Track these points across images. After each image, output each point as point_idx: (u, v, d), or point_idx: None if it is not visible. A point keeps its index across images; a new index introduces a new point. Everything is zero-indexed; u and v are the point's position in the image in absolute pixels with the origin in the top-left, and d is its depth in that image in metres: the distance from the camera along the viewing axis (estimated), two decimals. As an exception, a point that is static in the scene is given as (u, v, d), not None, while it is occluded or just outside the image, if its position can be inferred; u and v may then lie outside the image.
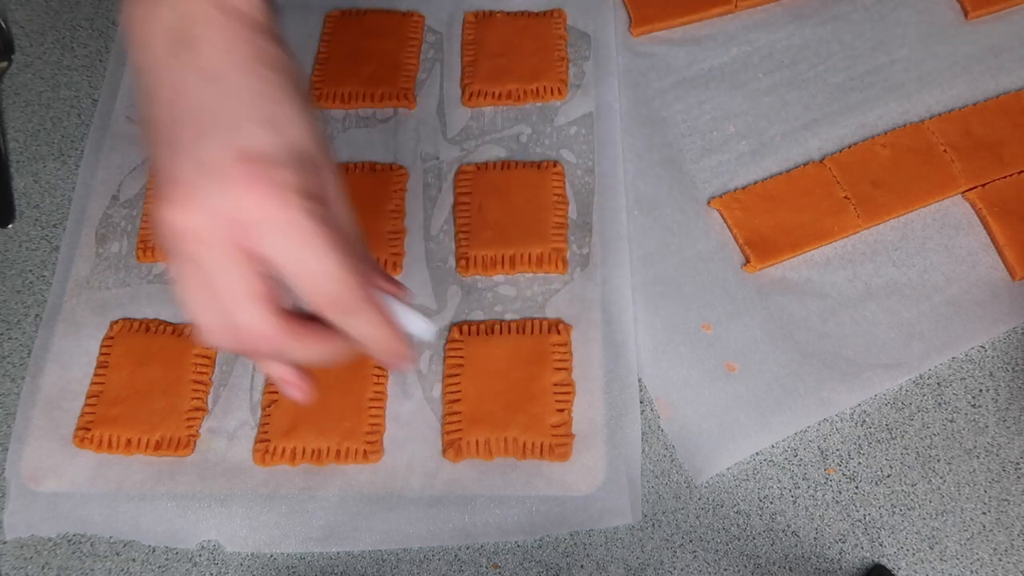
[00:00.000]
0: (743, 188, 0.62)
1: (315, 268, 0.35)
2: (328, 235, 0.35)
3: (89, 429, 0.55)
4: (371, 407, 0.55)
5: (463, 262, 0.59)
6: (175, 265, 0.36)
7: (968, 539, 0.52)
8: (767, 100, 0.66)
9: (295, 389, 0.41)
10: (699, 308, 0.58)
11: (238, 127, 0.35)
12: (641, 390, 0.56)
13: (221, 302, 0.35)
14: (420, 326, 0.41)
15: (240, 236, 0.34)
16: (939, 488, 0.53)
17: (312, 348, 0.38)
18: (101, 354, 0.57)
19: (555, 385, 0.55)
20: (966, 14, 0.68)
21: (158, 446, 0.54)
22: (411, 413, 0.56)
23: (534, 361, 0.56)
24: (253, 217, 0.34)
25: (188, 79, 0.36)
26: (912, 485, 0.53)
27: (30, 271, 0.61)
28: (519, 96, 0.66)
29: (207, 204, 0.34)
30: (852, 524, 0.52)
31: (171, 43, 0.36)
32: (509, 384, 0.55)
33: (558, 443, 0.53)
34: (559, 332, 0.57)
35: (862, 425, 0.55)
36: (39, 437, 0.55)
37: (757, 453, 0.55)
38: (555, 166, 0.63)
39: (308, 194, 0.35)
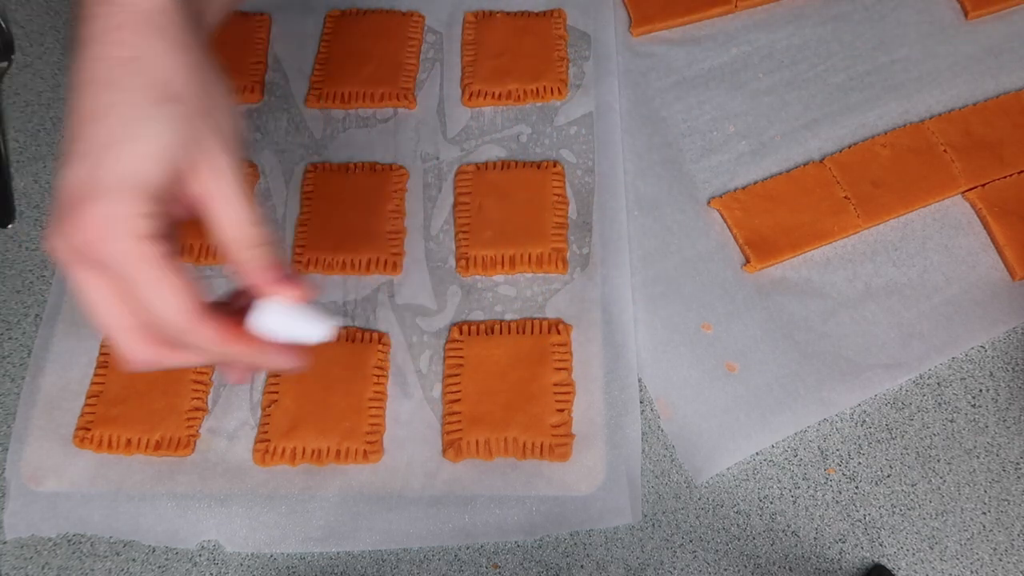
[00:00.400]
0: (743, 188, 0.62)
1: (145, 301, 0.37)
2: (154, 273, 0.37)
3: (89, 429, 0.55)
4: (371, 407, 0.55)
5: (463, 262, 0.59)
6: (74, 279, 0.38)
7: (968, 539, 0.52)
8: (767, 100, 0.66)
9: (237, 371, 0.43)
10: (699, 308, 0.58)
11: (94, 151, 0.37)
12: (641, 390, 0.56)
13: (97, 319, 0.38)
14: (310, 331, 0.41)
15: (93, 259, 0.37)
16: (939, 488, 0.53)
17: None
18: (101, 354, 0.57)
19: (555, 385, 0.55)
20: (966, 14, 0.68)
21: (158, 446, 0.54)
22: (411, 413, 0.56)
23: (534, 361, 0.56)
24: (93, 255, 0.36)
25: (91, 81, 0.38)
26: (912, 485, 0.53)
27: (30, 271, 0.61)
28: (519, 96, 0.66)
29: (61, 240, 0.37)
30: (852, 524, 0.52)
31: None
32: (509, 384, 0.55)
33: (558, 443, 0.53)
34: (559, 332, 0.57)
35: (862, 425, 0.55)
36: (39, 437, 0.55)
37: (757, 453, 0.55)
38: (555, 166, 0.63)
39: (144, 233, 0.36)
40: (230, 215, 0.39)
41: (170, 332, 0.38)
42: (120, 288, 0.37)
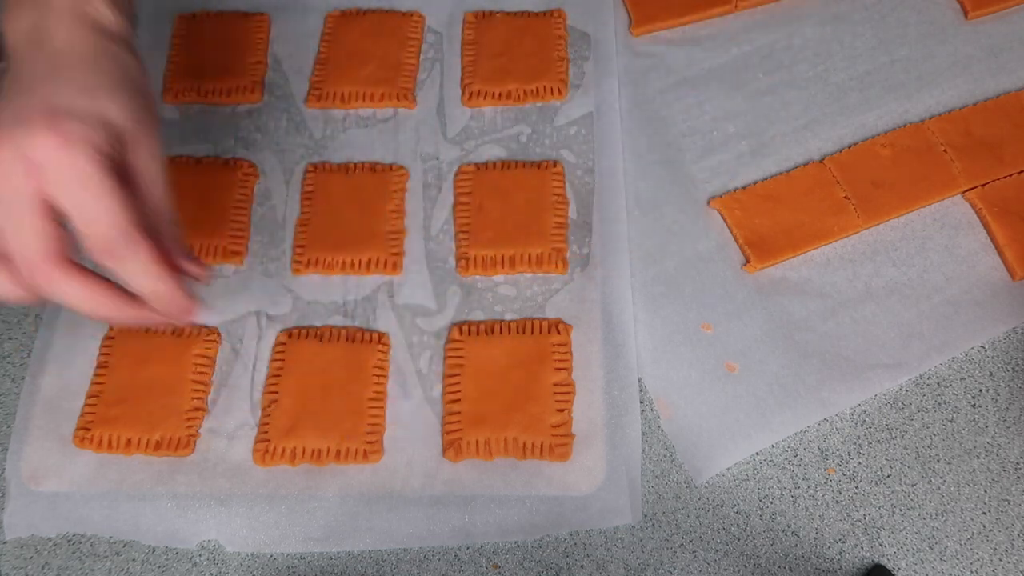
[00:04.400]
0: (743, 188, 0.62)
1: (90, 209, 0.40)
2: (109, 183, 0.40)
3: (89, 429, 0.55)
4: (371, 407, 0.55)
5: (463, 262, 0.59)
6: None
7: (968, 539, 0.52)
8: (767, 100, 0.66)
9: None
10: (699, 308, 0.58)
11: (57, 90, 0.41)
12: (641, 390, 0.56)
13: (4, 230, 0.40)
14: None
15: (36, 179, 0.39)
16: (939, 488, 0.53)
17: (80, 289, 0.41)
18: (101, 354, 0.57)
19: (555, 385, 0.55)
20: (966, 14, 0.68)
21: (158, 446, 0.54)
22: (411, 413, 0.56)
23: (534, 361, 0.56)
24: (45, 157, 0.39)
25: (36, 64, 0.43)
26: (912, 485, 0.53)
27: (30, 271, 0.61)
28: (519, 96, 0.66)
29: (11, 143, 0.39)
30: (852, 524, 0.52)
31: (28, 40, 0.44)
32: (509, 384, 0.55)
33: (558, 443, 0.53)
34: (559, 332, 0.57)
35: (862, 425, 0.55)
36: (39, 437, 0.55)
37: (757, 453, 0.55)
38: (555, 166, 0.63)
39: (101, 151, 0.40)
40: (156, 194, 0.44)
41: (109, 244, 0.40)
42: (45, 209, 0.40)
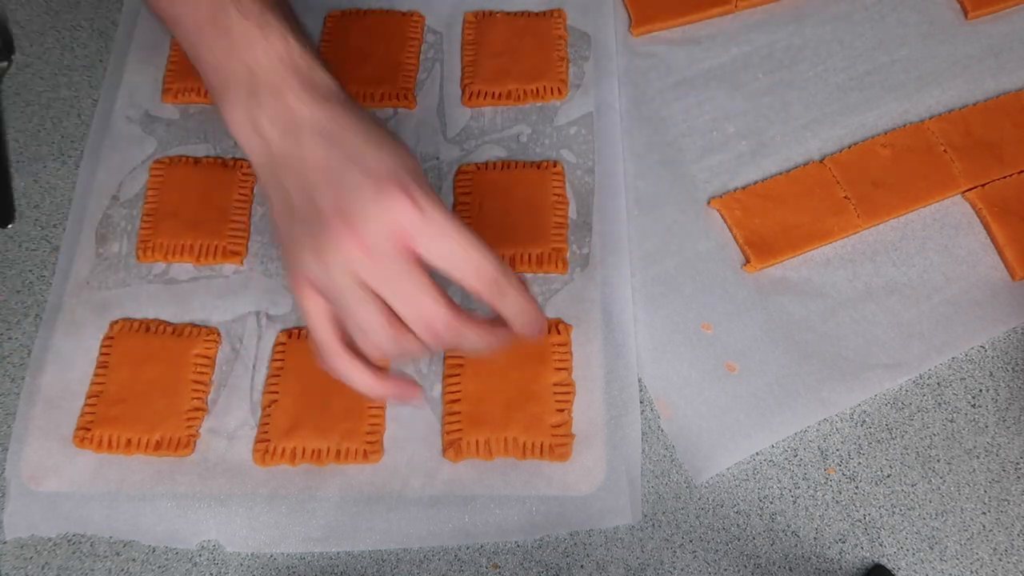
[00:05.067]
0: (743, 188, 0.62)
1: (471, 256, 0.43)
2: (466, 228, 0.43)
3: (89, 429, 0.55)
4: (371, 407, 0.55)
5: (463, 262, 0.59)
6: (343, 303, 0.43)
7: (968, 539, 0.52)
8: (767, 100, 0.66)
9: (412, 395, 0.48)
10: (699, 308, 0.58)
11: (367, 165, 0.43)
12: (641, 390, 0.56)
13: (401, 303, 0.43)
14: None
15: (404, 242, 0.42)
16: (939, 488, 0.53)
17: (479, 335, 0.45)
18: (101, 354, 0.57)
19: (555, 385, 0.55)
20: (966, 14, 0.68)
21: (158, 446, 0.54)
22: (411, 413, 0.56)
23: (534, 361, 0.56)
24: (408, 224, 0.41)
25: (306, 153, 0.44)
26: (912, 485, 0.53)
27: (30, 271, 0.61)
28: (519, 96, 0.66)
29: (372, 220, 0.41)
30: (852, 524, 0.52)
31: (283, 133, 0.44)
32: (509, 384, 0.55)
33: (558, 443, 0.53)
34: (559, 332, 0.57)
35: (862, 425, 0.55)
36: (39, 437, 0.55)
37: (757, 453, 0.55)
38: (555, 166, 0.63)
39: (438, 201, 0.42)
40: (469, 263, 0.44)
41: (441, 329, 0.43)
42: (380, 302, 0.43)
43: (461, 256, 0.43)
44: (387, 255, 0.42)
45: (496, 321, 0.46)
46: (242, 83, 0.45)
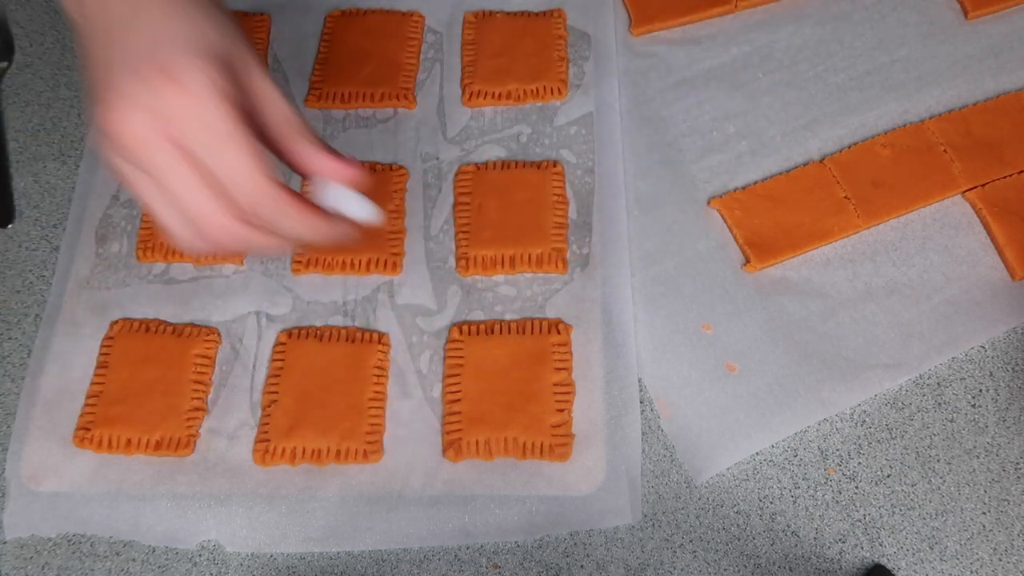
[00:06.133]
0: (743, 188, 0.62)
1: (233, 169, 0.39)
2: (244, 137, 0.39)
3: (89, 429, 0.55)
4: (371, 407, 0.55)
5: (463, 262, 0.59)
6: (128, 176, 0.40)
7: (968, 539, 0.52)
8: (767, 100, 0.66)
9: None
10: (699, 308, 0.58)
11: (158, 41, 0.39)
12: (641, 390, 0.56)
13: (175, 198, 0.39)
14: (362, 211, 0.44)
15: (172, 133, 0.38)
16: (939, 488, 0.53)
17: (302, 213, 0.42)
18: (101, 354, 0.57)
19: (555, 385, 0.55)
20: (966, 14, 0.68)
21: (158, 446, 0.54)
22: (411, 413, 0.56)
23: (534, 361, 0.56)
24: (178, 113, 0.38)
25: (111, 12, 0.41)
26: (912, 485, 0.53)
27: (30, 271, 0.61)
28: (519, 96, 0.66)
29: (140, 104, 0.38)
30: (852, 524, 0.52)
31: None
32: (509, 384, 0.55)
33: (558, 443, 0.53)
34: (559, 332, 0.57)
35: (862, 425, 0.55)
36: (39, 437, 0.55)
37: (757, 453, 0.55)
38: (555, 166, 0.63)
39: (225, 94, 0.39)
40: (279, 110, 0.42)
41: (250, 200, 0.40)
42: (193, 163, 0.39)
43: (225, 164, 0.39)
44: (153, 143, 0.38)
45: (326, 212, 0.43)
46: None
